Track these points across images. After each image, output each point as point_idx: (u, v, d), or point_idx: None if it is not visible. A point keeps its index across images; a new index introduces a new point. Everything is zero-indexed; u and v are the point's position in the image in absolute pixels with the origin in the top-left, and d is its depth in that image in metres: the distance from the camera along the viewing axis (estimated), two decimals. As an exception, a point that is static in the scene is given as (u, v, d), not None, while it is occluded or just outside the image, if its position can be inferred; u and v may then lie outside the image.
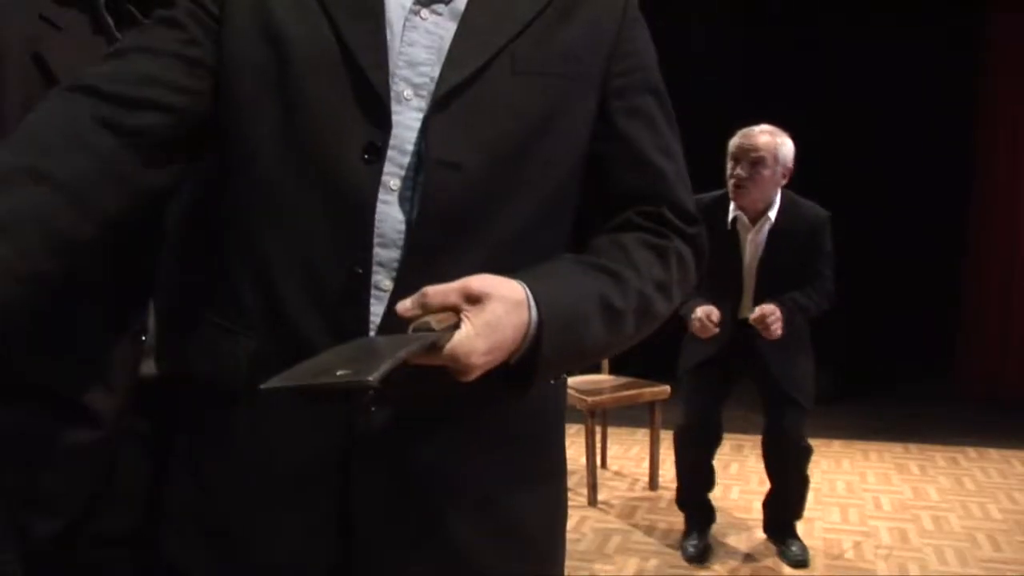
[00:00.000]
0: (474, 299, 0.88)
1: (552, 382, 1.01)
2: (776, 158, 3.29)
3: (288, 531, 1.00)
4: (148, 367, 1.21)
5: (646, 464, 4.43)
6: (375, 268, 0.97)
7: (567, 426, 4.27)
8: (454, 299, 0.88)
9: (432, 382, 0.89)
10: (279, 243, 0.99)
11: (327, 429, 0.98)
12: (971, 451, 4.95)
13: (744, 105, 6.36)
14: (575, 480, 4.29)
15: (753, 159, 3.27)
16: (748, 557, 3.55)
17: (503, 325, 0.88)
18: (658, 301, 1.04)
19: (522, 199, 1.02)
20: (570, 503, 4.43)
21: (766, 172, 3.28)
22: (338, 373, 0.77)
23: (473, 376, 0.89)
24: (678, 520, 3.73)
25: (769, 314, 3.22)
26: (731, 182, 3.33)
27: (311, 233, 0.98)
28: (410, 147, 0.98)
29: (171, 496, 1.10)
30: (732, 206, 3.37)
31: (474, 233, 0.99)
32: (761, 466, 4.62)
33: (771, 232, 3.36)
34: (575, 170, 1.08)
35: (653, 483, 4.34)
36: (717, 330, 3.30)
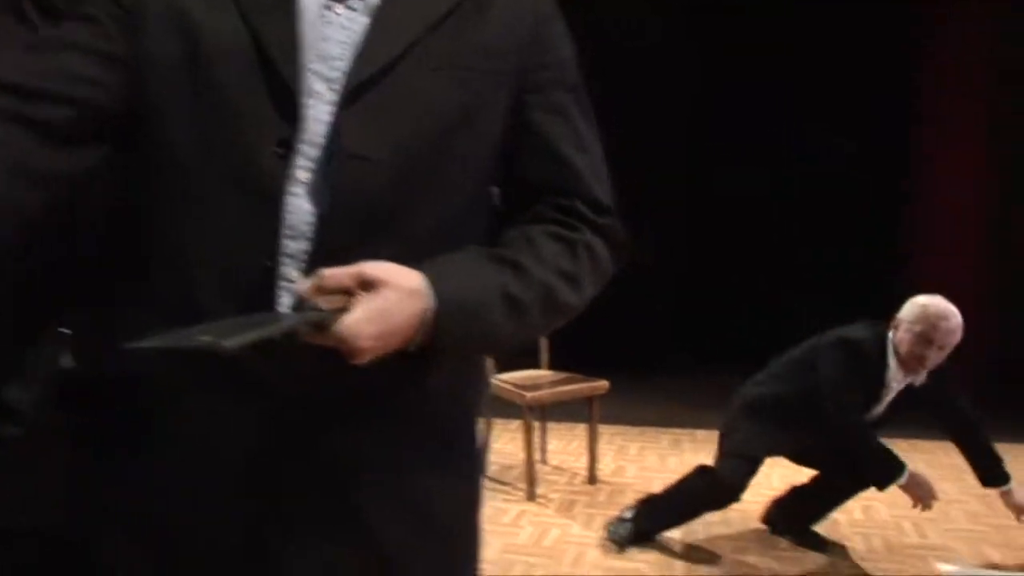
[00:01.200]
0: (368, 284, 0.90)
1: (460, 371, 1.04)
2: None
3: (209, 520, 1.01)
4: (68, 360, 1.20)
5: (586, 459, 4.46)
6: (284, 260, 0.98)
7: (506, 422, 4.32)
8: (349, 283, 0.90)
9: (331, 363, 0.90)
10: (195, 236, 1.00)
11: (245, 416, 0.99)
12: (901, 443, 5.07)
13: (700, 94, 6.47)
14: (514, 475, 4.32)
15: (946, 346, 3.32)
16: (684, 543, 3.60)
17: (395, 312, 0.91)
18: (564, 291, 1.06)
19: (439, 194, 1.03)
20: (509, 498, 4.49)
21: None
22: (201, 338, 0.80)
23: (363, 359, 0.91)
24: (616, 514, 3.76)
25: None
26: (915, 356, 3.32)
27: (224, 226, 0.98)
28: (321, 141, 0.99)
29: (92, 490, 1.09)
30: (895, 366, 3.39)
31: (388, 227, 1.00)
32: (698, 460, 4.70)
33: (908, 387, 3.45)
34: (492, 165, 1.09)
35: (592, 477, 4.37)
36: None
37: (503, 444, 4.62)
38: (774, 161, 6.37)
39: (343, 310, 0.89)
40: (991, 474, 3.46)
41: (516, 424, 4.21)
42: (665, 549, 3.57)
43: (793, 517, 3.70)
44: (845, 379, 3.35)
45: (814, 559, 3.51)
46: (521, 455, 4.20)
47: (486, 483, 4.28)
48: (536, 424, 4.48)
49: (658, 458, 4.81)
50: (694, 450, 4.93)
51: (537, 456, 4.55)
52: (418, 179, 1.01)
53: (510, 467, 4.47)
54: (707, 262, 6.74)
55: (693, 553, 3.55)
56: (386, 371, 0.94)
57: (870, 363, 3.37)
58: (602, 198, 1.14)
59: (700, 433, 5.22)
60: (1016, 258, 5.70)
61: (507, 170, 1.11)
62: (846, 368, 3.36)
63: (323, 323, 0.88)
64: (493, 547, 3.56)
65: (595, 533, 3.73)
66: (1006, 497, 3.47)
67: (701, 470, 3.61)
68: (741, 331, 6.52)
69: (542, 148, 1.11)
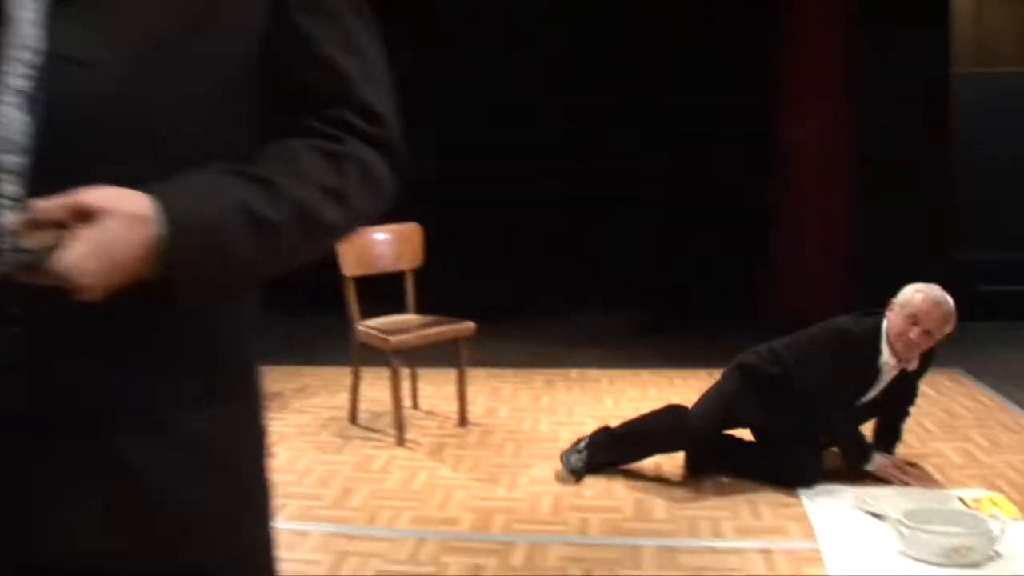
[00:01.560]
0: (87, 215, 0.83)
1: (226, 304, 0.98)
2: None
3: None
4: None
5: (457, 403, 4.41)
6: (1, 176, 0.88)
7: (377, 370, 4.18)
8: (63, 215, 0.83)
9: (63, 299, 0.83)
10: None
11: None
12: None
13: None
14: (384, 422, 4.28)
15: (933, 332, 3.38)
16: (552, 479, 3.63)
17: (118, 242, 0.84)
18: (327, 209, 0.98)
19: (180, 102, 0.94)
20: (378, 445, 4.40)
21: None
22: None
23: (93, 295, 0.84)
24: (485, 454, 3.78)
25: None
26: (901, 337, 3.41)
27: None
28: (35, 44, 0.89)
29: None
30: (887, 351, 3.47)
31: (120, 139, 0.91)
32: (570, 398, 4.74)
33: (901, 372, 3.53)
34: (249, 71, 0.99)
35: (463, 420, 4.34)
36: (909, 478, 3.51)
37: (374, 392, 4.52)
38: (650, 115, 6.45)
39: (58, 246, 0.81)
40: (886, 447, 3.64)
41: (387, 372, 4.11)
42: (536, 484, 3.59)
43: (709, 439, 3.71)
44: (835, 372, 3.48)
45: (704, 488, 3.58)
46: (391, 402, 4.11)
47: (356, 432, 4.19)
48: (406, 371, 4.40)
49: (530, 398, 4.81)
50: (567, 389, 4.95)
51: (409, 402, 4.49)
52: (153, 84, 0.92)
53: (380, 414, 4.39)
54: (576, 203, 6.75)
55: (562, 486, 3.57)
56: (128, 303, 0.86)
57: (862, 351, 3.48)
58: (376, 105, 1.05)
59: (573, 372, 5.25)
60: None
61: (271, 79, 1.01)
62: (837, 361, 3.49)
63: (36, 264, 0.81)
64: (360, 494, 3.51)
65: (464, 474, 3.71)
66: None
67: (672, 408, 3.71)
68: (612, 271, 6.58)
69: (305, 52, 1.02)
